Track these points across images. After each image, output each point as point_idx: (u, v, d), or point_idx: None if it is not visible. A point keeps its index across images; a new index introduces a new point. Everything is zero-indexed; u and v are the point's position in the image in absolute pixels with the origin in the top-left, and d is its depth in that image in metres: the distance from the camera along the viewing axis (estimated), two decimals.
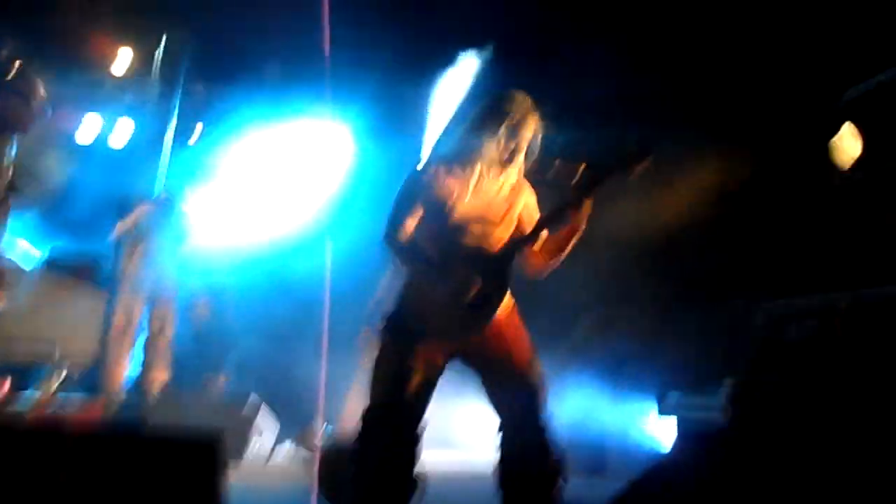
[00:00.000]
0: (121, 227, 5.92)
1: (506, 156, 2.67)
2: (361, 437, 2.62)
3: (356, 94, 6.61)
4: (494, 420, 2.61)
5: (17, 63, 4.30)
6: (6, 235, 4.56)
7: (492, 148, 2.66)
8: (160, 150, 7.07)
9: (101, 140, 7.47)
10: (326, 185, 6.88)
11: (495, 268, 2.59)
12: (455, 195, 2.66)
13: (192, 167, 6.90)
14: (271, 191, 7.04)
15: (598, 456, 5.49)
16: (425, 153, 3.04)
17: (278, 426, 5.14)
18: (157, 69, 7.29)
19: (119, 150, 7.46)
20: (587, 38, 5.68)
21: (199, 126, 7.61)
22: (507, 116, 2.65)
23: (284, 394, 5.78)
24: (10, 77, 4.25)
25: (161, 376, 5.65)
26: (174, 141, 7.18)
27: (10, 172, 4.28)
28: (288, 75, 7.25)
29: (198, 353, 6.51)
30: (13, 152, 4.32)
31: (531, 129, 2.67)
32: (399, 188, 2.72)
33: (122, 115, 7.51)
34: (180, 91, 7.28)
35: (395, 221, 2.67)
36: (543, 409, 2.59)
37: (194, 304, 6.55)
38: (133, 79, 7.48)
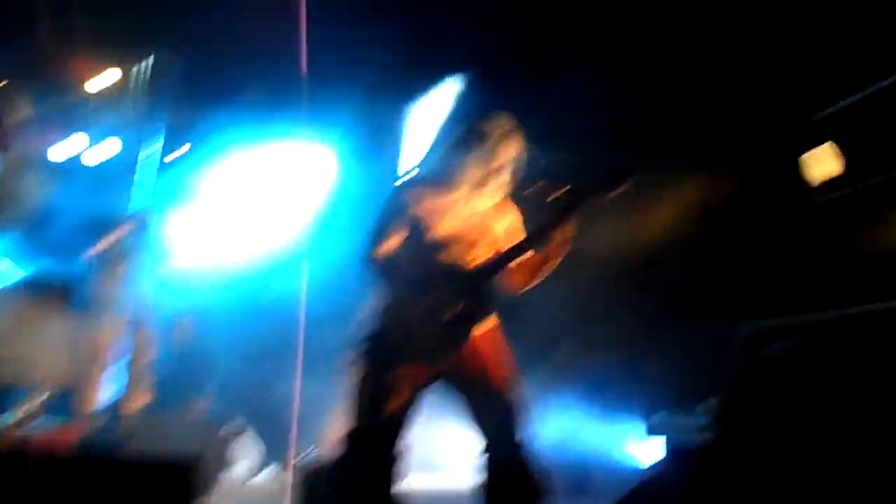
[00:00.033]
0: (99, 247, 5.85)
1: (486, 177, 2.68)
2: (342, 459, 2.60)
3: (337, 116, 6.64)
4: (476, 442, 2.59)
5: None
6: None
7: (472, 169, 2.67)
8: (142, 171, 7.03)
9: (81, 160, 7.41)
10: (307, 207, 6.87)
11: (475, 287, 2.59)
12: (435, 216, 2.66)
13: (174, 188, 6.86)
14: (253, 211, 7.01)
15: (583, 476, 5.47)
16: (406, 174, 3.04)
17: (259, 449, 5.08)
18: (141, 90, 7.27)
19: (101, 171, 7.41)
20: (569, 61, 5.74)
21: (182, 147, 7.59)
22: (488, 138, 2.67)
23: (266, 416, 5.72)
24: None
25: (141, 399, 5.56)
26: (156, 161, 7.15)
27: None
28: (270, 97, 7.26)
29: (179, 376, 6.43)
30: None
31: (512, 151, 2.69)
32: (379, 208, 2.72)
33: (103, 135, 7.48)
34: (163, 112, 7.26)
35: (375, 241, 2.67)
36: (524, 429, 2.57)
37: (175, 326, 6.48)
38: (115, 99, 7.46)
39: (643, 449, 5.11)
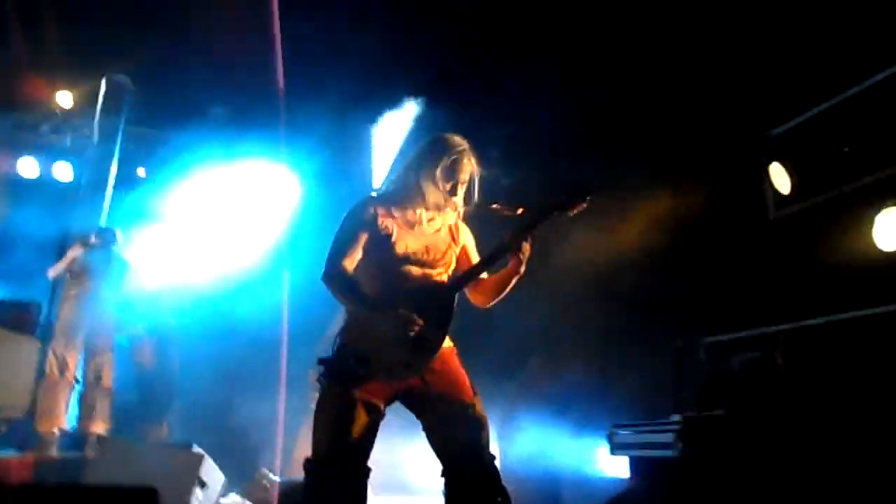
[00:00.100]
0: (55, 269, 5.73)
1: (443, 197, 2.69)
2: (308, 483, 2.56)
3: (302, 136, 6.63)
4: (442, 460, 2.58)
5: None
6: None
7: (429, 189, 2.69)
8: (102, 193, 6.92)
9: (41, 184, 7.30)
10: (273, 227, 6.82)
11: (435, 307, 2.58)
12: (394, 235, 2.67)
13: (136, 208, 6.77)
14: (217, 231, 6.94)
15: (553, 492, 5.48)
16: (369, 192, 3.04)
17: (223, 477, 4.98)
18: (99, 111, 7.17)
19: (60, 194, 7.29)
20: (530, 79, 5.81)
21: (144, 167, 7.50)
22: (444, 158, 2.68)
23: (231, 441, 5.62)
24: None
25: (99, 427, 5.43)
26: (117, 182, 7.05)
27: None
28: (235, 118, 7.23)
29: (141, 401, 6.31)
30: None
31: (468, 171, 2.71)
32: (338, 228, 2.71)
33: (61, 158, 7.37)
34: (122, 132, 7.17)
35: (334, 260, 2.66)
36: (487, 446, 2.57)
37: (138, 349, 6.36)
38: (74, 121, 7.36)
39: (611, 464, 5.13)
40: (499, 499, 2.53)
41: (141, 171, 7.49)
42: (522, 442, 5.69)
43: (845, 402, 3.74)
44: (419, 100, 6.02)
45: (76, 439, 5.35)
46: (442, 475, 2.56)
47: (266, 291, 6.21)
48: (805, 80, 5.02)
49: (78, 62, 6.87)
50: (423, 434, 2.63)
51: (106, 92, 6.99)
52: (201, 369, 6.24)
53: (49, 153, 7.41)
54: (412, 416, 2.65)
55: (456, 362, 2.67)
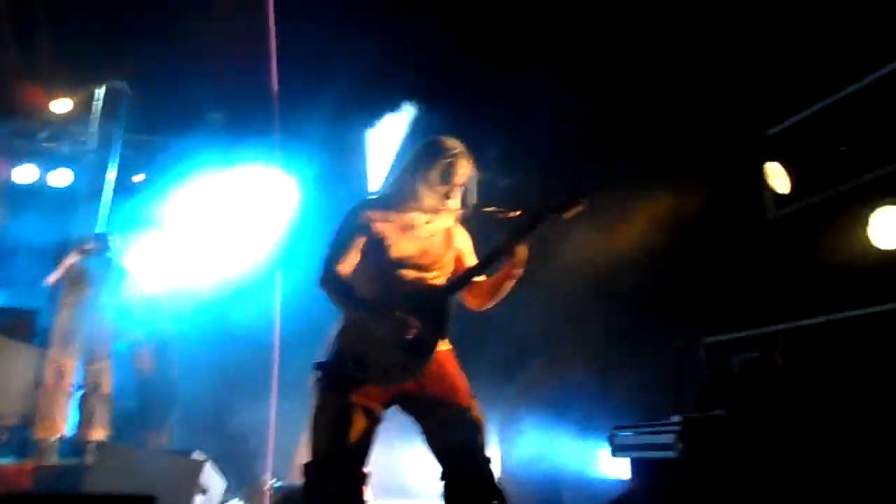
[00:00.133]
0: (53, 276, 5.71)
1: (439, 200, 2.69)
2: (307, 489, 2.56)
3: (299, 141, 6.63)
4: (440, 464, 2.57)
5: None
6: None
7: (425, 192, 2.69)
8: (100, 199, 6.93)
9: (39, 191, 7.29)
10: (271, 232, 6.82)
11: (432, 310, 2.58)
12: (389, 238, 2.66)
13: (134, 214, 6.77)
14: (215, 237, 6.93)
15: (554, 494, 5.47)
16: (365, 196, 3.03)
17: (225, 483, 4.97)
18: (97, 117, 7.18)
19: (58, 201, 7.28)
20: (527, 83, 5.81)
21: (142, 173, 7.50)
22: (439, 161, 2.68)
23: (231, 447, 5.61)
24: None
25: (98, 434, 5.41)
26: (115, 189, 7.05)
27: None
28: (232, 123, 7.24)
29: (141, 407, 6.29)
30: None
31: (464, 175, 2.71)
32: (334, 232, 2.71)
33: (59, 165, 7.36)
34: (120, 138, 7.17)
35: (328, 265, 2.67)
36: (482, 449, 2.56)
37: (137, 355, 6.34)
38: (72, 128, 7.36)
39: (613, 466, 5.13)
40: (494, 502, 2.52)
41: (139, 178, 7.48)
42: (523, 444, 5.68)
43: (845, 401, 3.74)
44: (416, 103, 6.02)
45: (75, 446, 5.34)
46: (441, 479, 2.55)
47: (265, 296, 6.21)
48: (801, 79, 5.02)
49: (75, 69, 6.87)
50: (420, 435, 2.63)
51: (104, 98, 6.99)
52: (201, 375, 6.23)
53: (47, 160, 7.41)
54: (410, 417, 2.65)
55: (453, 365, 2.67)
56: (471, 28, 5.76)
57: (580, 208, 2.55)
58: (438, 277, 2.72)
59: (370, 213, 2.71)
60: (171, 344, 6.49)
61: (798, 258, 4.92)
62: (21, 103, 6.95)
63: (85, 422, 5.48)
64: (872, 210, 4.51)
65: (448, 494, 2.54)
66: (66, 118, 7.26)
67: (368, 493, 2.59)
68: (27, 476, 4.70)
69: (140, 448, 5.64)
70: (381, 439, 2.62)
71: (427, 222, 2.73)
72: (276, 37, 5.99)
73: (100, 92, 7.02)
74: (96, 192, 6.91)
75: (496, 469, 2.60)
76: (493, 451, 2.63)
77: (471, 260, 2.83)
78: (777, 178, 5.24)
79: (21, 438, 5.36)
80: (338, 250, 2.67)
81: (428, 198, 2.69)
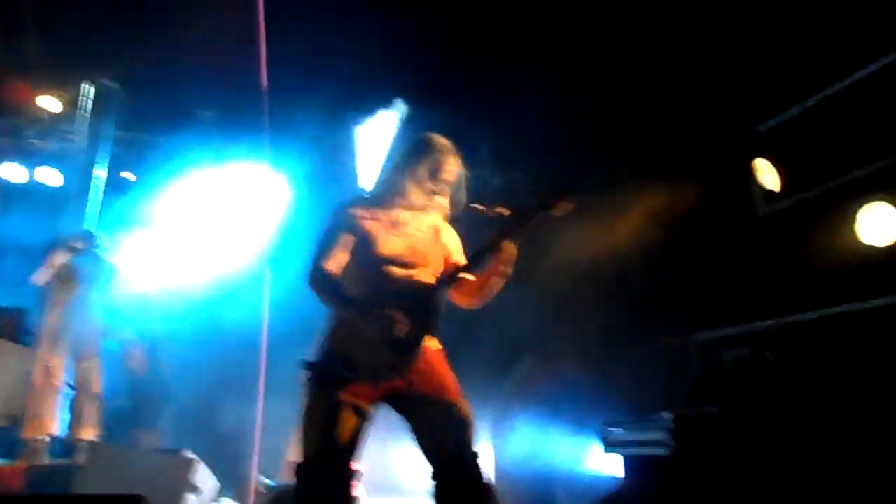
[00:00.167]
0: (41, 274, 5.65)
1: (427, 197, 2.69)
2: (298, 489, 2.55)
3: (289, 139, 6.61)
4: (430, 462, 2.57)
5: None
6: None
7: (413, 189, 2.69)
8: (88, 198, 6.88)
9: (28, 189, 7.24)
10: (263, 230, 6.79)
11: (420, 308, 2.58)
12: (378, 236, 2.66)
13: (124, 213, 6.73)
14: (205, 236, 6.90)
15: (547, 490, 5.47)
16: (354, 194, 3.03)
17: (216, 482, 4.95)
18: (86, 116, 7.13)
19: (48, 199, 7.23)
20: (519, 81, 5.81)
21: (132, 171, 7.46)
22: (428, 159, 2.68)
23: (222, 446, 5.59)
24: None
25: (88, 434, 5.37)
26: (105, 187, 7.00)
27: None
28: (223, 121, 7.21)
29: (133, 407, 6.26)
30: None
31: (452, 172, 2.71)
32: (321, 230, 2.70)
33: (48, 163, 7.31)
34: (110, 137, 7.13)
35: (315, 263, 2.66)
36: (470, 446, 2.56)
37: (128, 354, 6.31)
38: (61, 125, 7.31)
39: (605, 463, 5.14)
40: (485, 498, 2.52)
41: (129, 176, 7.44)
42: (516, 441, 5.69)
43: (837, 397, 3.76)
44: (407, 100, 6.01)
45: (66, 446, 5.31)
46: (433, 477, 2.55)
47: (256, 295, 6.18)
48: (790, 76, 5.04)
49: (64, 66, 6.82)
50: (410, 433, 2.62)
51: (93, 96, 6.94)
52: (192, 374, 6.21)
53: (36, 158, 7.35)
54: (399, 415, 2.64)
55: (442, 363, 2.66)
56: (462, 25, 5.75)
57: (569, 206, 2.54)
58: (427, 275, 2.71)
59: (357, 211, 2.70)
60: (161, 343, 6.46)
61: (788, 255, 4.94)
62: (8, 101, 6.90)
63: (74, 422, 5.44)
64: (861, 206, 4.54)
65: (437, 492, 2.53)
66: (56, 116, 7.21)
67: (360, 491, 2.58)
68: (17, 476, 4.67)
69: (131, 448, 5.61)
70: (373, 437, 2.61)
71: (414, 220, 2.73)
72: (266, 34, 5.96)
73: (89, 89, 6.97)
74: (86, 191, 6.85)
75: (489, 467, 2.60)
76: (487, 448, 2.62)
77: (459, 258, 2.81)
78: (767, 174, 5.26)
79: (10, 439, 5.32)
80: (325, 248, 2.66)
81: (415, 194, 2.69)
